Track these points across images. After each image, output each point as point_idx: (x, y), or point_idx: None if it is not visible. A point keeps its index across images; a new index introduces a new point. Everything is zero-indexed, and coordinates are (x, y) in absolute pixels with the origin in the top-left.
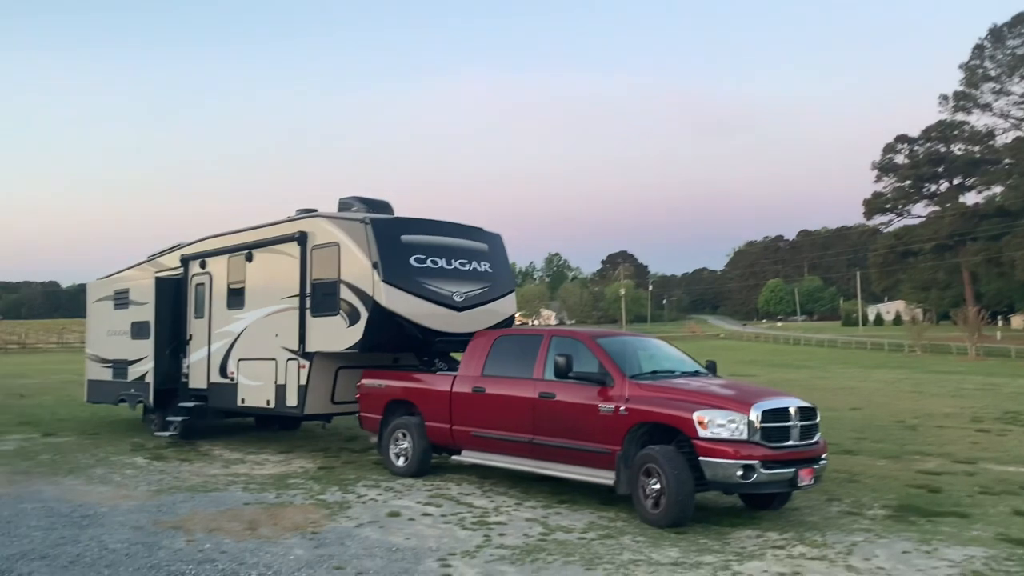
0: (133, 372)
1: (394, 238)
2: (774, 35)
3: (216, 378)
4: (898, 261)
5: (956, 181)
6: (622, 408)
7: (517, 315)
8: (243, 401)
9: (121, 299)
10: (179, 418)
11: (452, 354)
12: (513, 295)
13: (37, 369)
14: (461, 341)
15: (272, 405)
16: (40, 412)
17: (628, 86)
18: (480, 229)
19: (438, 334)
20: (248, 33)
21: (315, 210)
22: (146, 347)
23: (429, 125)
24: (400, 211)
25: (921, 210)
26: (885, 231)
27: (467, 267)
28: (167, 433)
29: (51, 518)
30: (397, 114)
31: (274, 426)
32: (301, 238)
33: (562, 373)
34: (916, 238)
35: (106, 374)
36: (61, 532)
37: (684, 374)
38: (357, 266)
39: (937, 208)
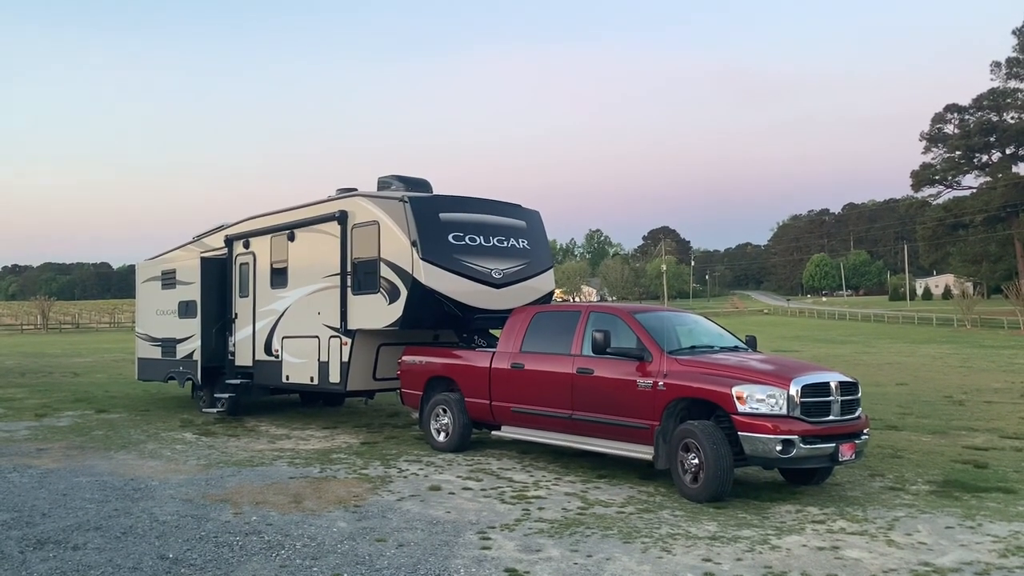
0: (181, 350)
1: (432, 216)
2: (819, 5)
3: (261, 356)
4: (947, 234)
5: (1009, 151)
6: (660, 383)
7: (558, 292)
8: (287, 378)
9: (168, 279)
10: (226, 395)
11: (491, 331)
12: (551, 272)
13: (90, 348)
14: (500, 318)
15: (316, 382)
16: (93, 390)
17: (669, 60)
18: (518, 206)
19: (477, 311)
20: (288, 13)
21: (355, 189)
22: (193, 326)
23: (468, 101)
24: (439, 189)
25: (972, 181)
26: (934, 203)
27: (505, 244)
28: (215, 409)
29: (104, 491)
30: (435, 91)
31: (318, 402)
32: (341, 217)
33: (600, 349)
34: (966, 210)
35: (155, 352)
36: (114, 504)
37: (723, 349)
38: (396, 244)
39: (988, 179)
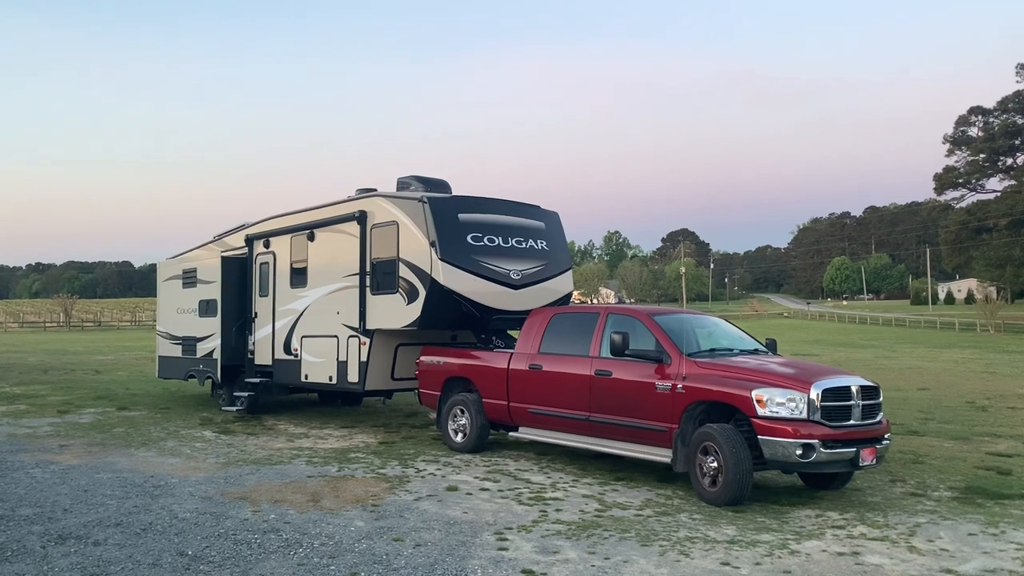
0: (201, 349)
1: (451, 217)
2: (839, 6)
3: (280, 355)
4: (971, 237)
5: None
6: (679, 386)
7: (576, 294)
8: (306, 377)
9: (189, 278)
10: (245, 393)
11: (509, 332)
12: (570, 273)
13: (112, 346)
14: (518, 319)
15: (334, 381)
16: (114, 387)
17: (690, 60)
18: (537, 207)
19: (495, 312)
20: (311, 12)
21: (374, 189)
22: (213, 324)
23: (487, 102)
24: (458, 189)
25: (996, 184)
26: (957, 206)
27: (524, 245)
28: (234, 408)
29: (125, 488)
30: (455, 91)
31: (337, 402)
32: (361, 217)
33: (619, 351)
34: (990, 213)
35: (176, 351)
36: (134, 501)
37: (742, 352)
38: (415, 244)
39: (1013, 182)
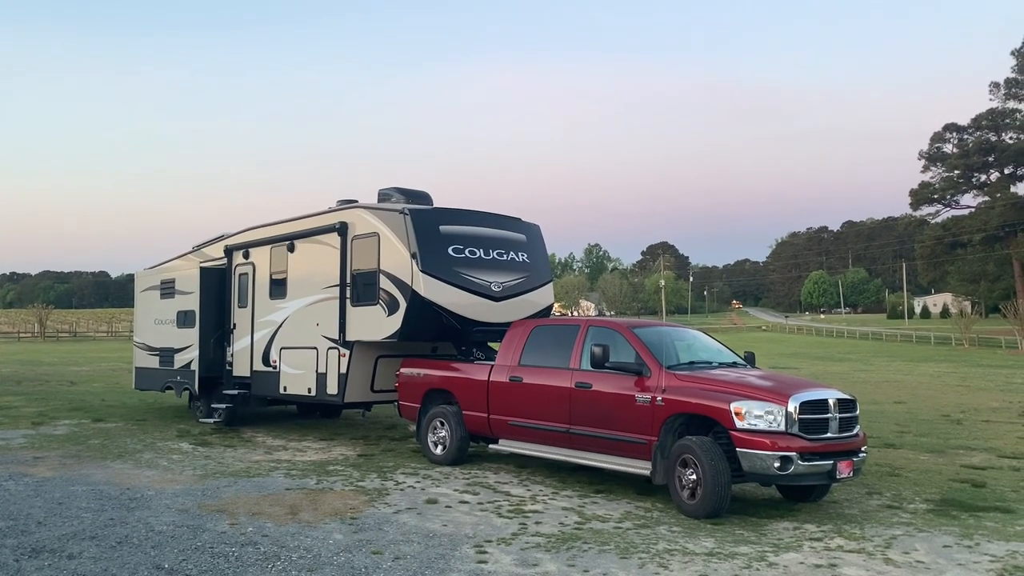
0: (179, 360)
1: (433, 228)
2: (818, 20)
3: (259, 366)
4: (946, 252)
5: (1007, 170)
6: (659, 398)
7: (556, 306)
8: (285, 389)
9: (167, 289)
10: (223, 405)
11: (490, 344)
12: (551, 285)
13: (87, 357)
14: (498, 331)
15: (313, 393)
16: (90, 398)
17: (668, 74)
18: (518, 219)
19: (476, 324)
20: (288, 23)
21: (355, 201)
22: (191, 336)
23: (467, 114)
24: (439, 202)
25: (970, 200)
26: (933, 222)
27: (505, 257)
28: (212, 420)
29: (100, 500)
30: (436, 104)
31: (315, 414)
32: (341, 229)
33: (599, 363)
34: (965, 229)
35: (153, 362)
36: (110, 514)
37: (721, 365)
38: (396, 256)
39: (987, 198)
